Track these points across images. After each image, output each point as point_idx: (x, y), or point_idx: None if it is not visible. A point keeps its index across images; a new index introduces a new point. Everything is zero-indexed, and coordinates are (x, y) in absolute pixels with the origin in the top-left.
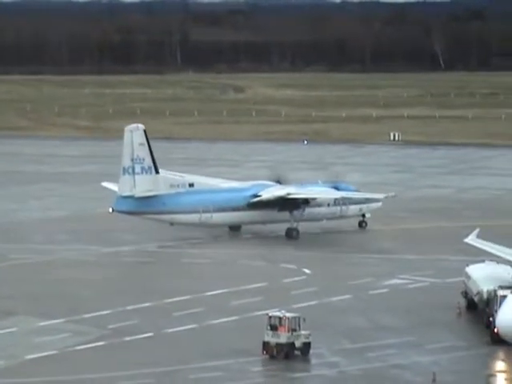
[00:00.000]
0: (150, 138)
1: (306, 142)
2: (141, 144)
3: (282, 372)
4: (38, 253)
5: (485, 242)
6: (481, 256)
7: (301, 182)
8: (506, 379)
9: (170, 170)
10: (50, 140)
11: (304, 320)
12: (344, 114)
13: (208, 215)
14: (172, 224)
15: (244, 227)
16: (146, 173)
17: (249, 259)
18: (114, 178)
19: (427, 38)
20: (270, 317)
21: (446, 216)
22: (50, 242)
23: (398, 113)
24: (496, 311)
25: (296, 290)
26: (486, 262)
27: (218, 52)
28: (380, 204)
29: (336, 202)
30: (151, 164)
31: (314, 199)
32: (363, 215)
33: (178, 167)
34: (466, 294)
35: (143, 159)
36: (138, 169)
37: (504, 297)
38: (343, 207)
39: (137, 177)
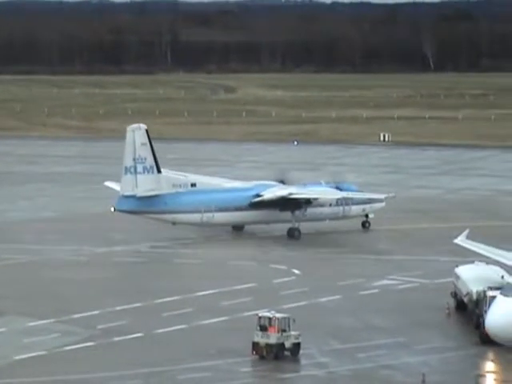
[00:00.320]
0: None
1: (296, 142)
2: (143, 144)
3: (271, 372)
4: (29, 253)
5: (474, 243)
6: (470, 257)
7: (303, 183)
8: (495, 380)
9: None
10: (41, 140)
11: (294, 320)
12: (334, 115)
13: (210, 215)
14: (174, 223)
15: (247, 227)
16: (148, 172)
17: (239, 260)
18: (104, 178)
19: (417, 38)
20: (260, 317)
21: (435, 217)
22: (40, 242)
23: (388, 113)
24: (485, 312)
25: (286, 291)
26: (476, 262)
27: (209, 52)
28: (383, 204)
29: (338, 202)
30: (153, 163)
31: (315, 199)
32: (366, 215)
33: (168, 168)
34: (455, 295)
35: (145, 159)
36: (139, 168)
37: (493, 297)
38: (346, 207)
39: (139, 176)
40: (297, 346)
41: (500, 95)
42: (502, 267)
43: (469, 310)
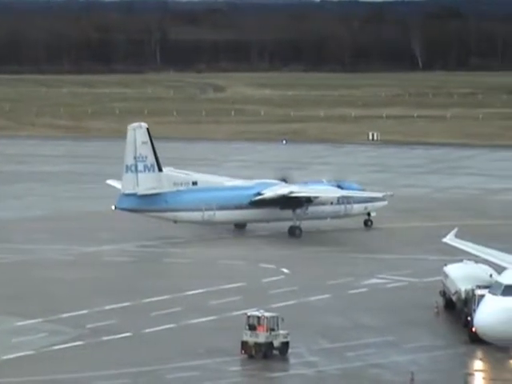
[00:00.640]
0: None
1: (284, 141)
2: (144, 142)
3: (260, 371)
4: (17, 252)
5: (463, 242)
6: (459, 255)
7: (305, 181)
8: (483, 378)
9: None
10: (30, 139)
11: (282, 319)
12: (322, 114)
13: (211, 213)
14: (175, 222)
15: (249, 225)
16: (149, 171)
17: (229, 259)
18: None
19: (405, 37)
20: (249, 316)
21: (423, 216)
22: (29, 241)
23: (377, 112)
24: (474, 310)
25: (275, 290)
26: (465, 261)
27: (198, 51)
28: (386, 203)
29: (340, 200)
30: (154, 162)
31: (316, 198)
32: (368, 214)
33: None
34: (444, 294)
35: (146, 157)
36: (140, 167)
37: (482, 296)
38: (347, 206)
39: (140, 175)
40: (285, 345)
41: (488, 94)
42: (490, 266)
43: (457, 309)
